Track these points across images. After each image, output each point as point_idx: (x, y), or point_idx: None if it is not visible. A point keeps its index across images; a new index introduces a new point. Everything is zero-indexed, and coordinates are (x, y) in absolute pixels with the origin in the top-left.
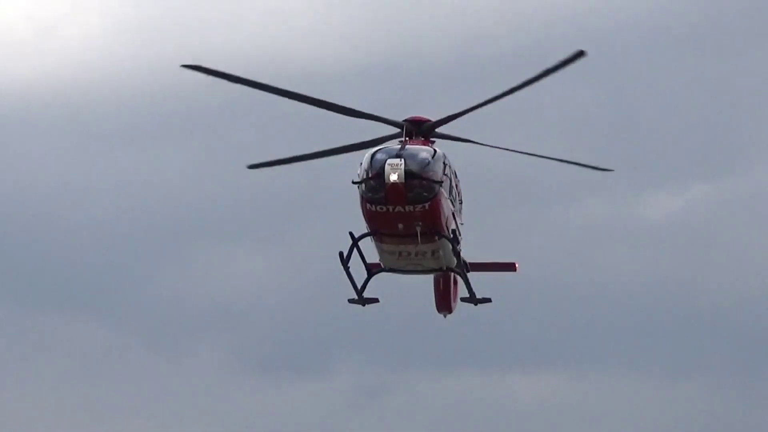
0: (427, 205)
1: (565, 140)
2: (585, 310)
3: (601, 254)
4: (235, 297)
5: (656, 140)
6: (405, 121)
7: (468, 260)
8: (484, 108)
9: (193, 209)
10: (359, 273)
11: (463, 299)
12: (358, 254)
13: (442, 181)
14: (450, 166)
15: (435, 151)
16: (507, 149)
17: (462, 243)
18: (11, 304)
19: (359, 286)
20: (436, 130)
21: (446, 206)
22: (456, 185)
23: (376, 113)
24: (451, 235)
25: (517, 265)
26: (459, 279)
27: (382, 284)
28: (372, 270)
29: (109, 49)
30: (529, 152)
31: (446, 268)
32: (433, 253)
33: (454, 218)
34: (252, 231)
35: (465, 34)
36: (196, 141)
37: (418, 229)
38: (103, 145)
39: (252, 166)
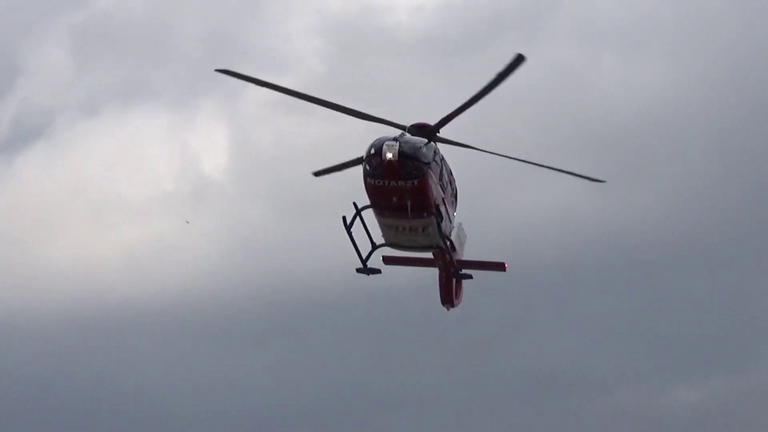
0: (416, 181)
1: (603, 339)
2: None
3: None
4: None
5: (679, 342)
6: (411, 126)
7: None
8: None
9: (282, 397)
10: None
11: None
12: (364, 230)
13: (429, 163)
14: (442, 160)
15: (428, 142)
16: (504, 156)
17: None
18: None
19: (364, 257)
20: (437, 135)
21: (434, 188)
22: (450, 180)
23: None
24: (436, 211)
25: (506, 265)
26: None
27: None
28: (376, 244)
29: (214, 267)
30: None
31: (436, 246)
32: (423, 229)
33: (444, 204)
34: (334, 418)
35: None
36: (280, 344)
37: (409, 203)
38: (208, 344)
39: (317, 173)
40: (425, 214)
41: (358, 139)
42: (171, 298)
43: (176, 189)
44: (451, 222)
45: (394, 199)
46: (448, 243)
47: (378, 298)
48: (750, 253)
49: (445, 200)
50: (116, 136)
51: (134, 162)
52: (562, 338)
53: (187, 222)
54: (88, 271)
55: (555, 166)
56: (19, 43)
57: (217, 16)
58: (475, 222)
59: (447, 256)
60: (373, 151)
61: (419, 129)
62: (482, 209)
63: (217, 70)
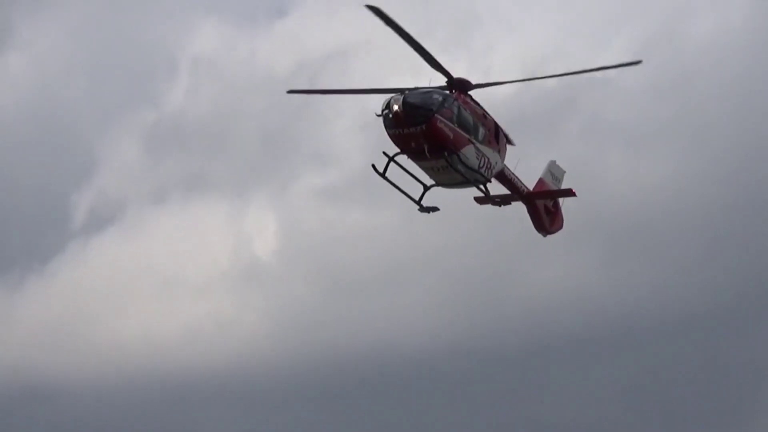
0: (423, 126)
1: (610, 400)
2: None
3: None
4: None
5: (678, 403)
6: (455, 78)
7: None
8: None
9: None
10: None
11: (490, 199)
12: (411, 176)
13: (433, 109)
14: (462, 106)
15: (444, 92)
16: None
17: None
18: None
19: (416, 198)
20: (471, 93)
21: (447, 129)
22: (482, 122)
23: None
24: (452, 152)
25: (574, 191)
26: (558, 206)
27: None
28: (426, 185)
29: (265, 340)
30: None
31: (474, 180)
32: (453, 167)
33: (473, 143)
34: None
35: None
36: (327, 410)
37: (426, 146)
38: (262, 411)
39: (291, 91)
40: (446, 153)
41: (392, 227)
42: (227, 368)
43: (232, 269)
44: (487, 158)
45: (413, 144)
46: (481, 176)
47: (413, 367)
48: (740, 325)
49: (473, 140)
50: (180, 222)
51: (195, 245)
52: (573, 399)
53: None
54: (154, 343)
55: None
56: (96, 139)
57: (271, 118)
58: (501, 291)
59: (482, 188)
60: (384, 106)
61: (459, 81)
62: (507, 282)
63: (366, 6)
